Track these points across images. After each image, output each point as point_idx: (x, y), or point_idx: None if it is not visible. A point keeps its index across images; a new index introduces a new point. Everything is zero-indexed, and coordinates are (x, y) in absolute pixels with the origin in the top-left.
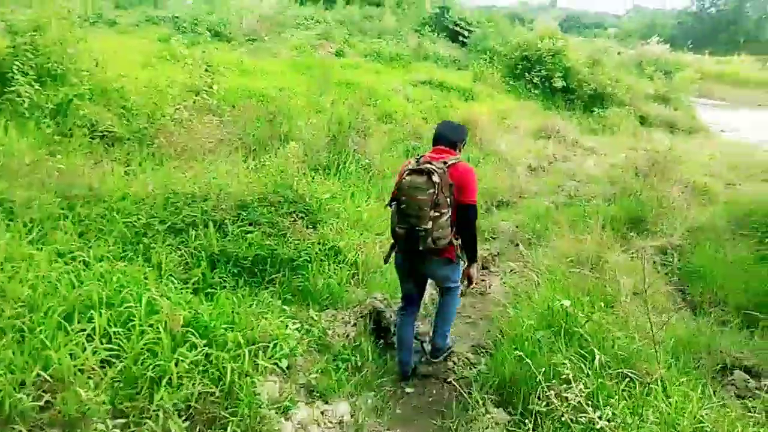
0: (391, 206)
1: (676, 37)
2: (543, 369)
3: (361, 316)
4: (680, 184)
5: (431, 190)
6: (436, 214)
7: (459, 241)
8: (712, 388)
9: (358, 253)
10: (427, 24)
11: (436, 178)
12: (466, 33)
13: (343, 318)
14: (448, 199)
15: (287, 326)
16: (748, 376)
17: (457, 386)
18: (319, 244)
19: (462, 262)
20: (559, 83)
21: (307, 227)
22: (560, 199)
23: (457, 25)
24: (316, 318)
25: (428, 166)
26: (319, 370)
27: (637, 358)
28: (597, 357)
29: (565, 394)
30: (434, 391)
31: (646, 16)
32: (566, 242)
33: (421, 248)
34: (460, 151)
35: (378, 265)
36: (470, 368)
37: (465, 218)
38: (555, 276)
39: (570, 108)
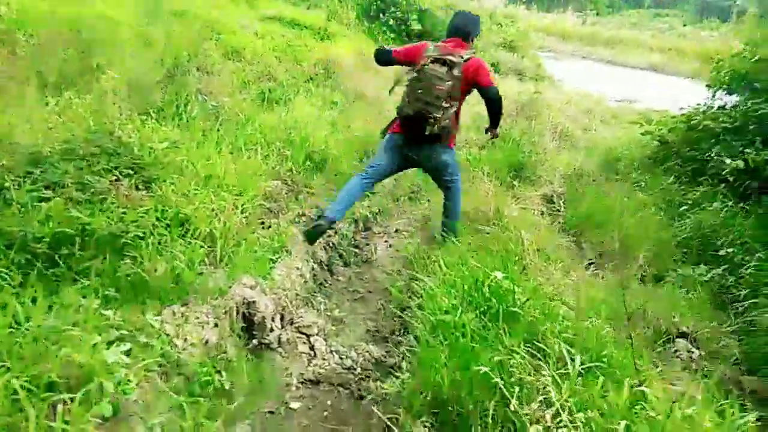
0: (383, 58)
1: None
2: (495, 381)
3: (225, 312)
4: (550, 129)
5: (450, 82)
6: (447, 105)
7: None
8: (659, 361)
9: (214, 221)
10: None
11: (456, 72)
12: None
13: (197, 318)
14: (458, 95)
15: (109, 346)
16: (690, 345)
17: (375, 408)
18: (156, 211)
19: (453, 150)
20: (415, 26)
21: (138, 188)
22: None
23: None
24: (156, 324)
25: (450, 58)
26: (168, 408)
27: (589, 341)
28: (567, 356)
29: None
30: (329, 403)
31: None
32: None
33: (426, 133)
34: (472, 42)
35: (242, 236)
36: (378, 371)
37: (492, 100)
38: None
39: None
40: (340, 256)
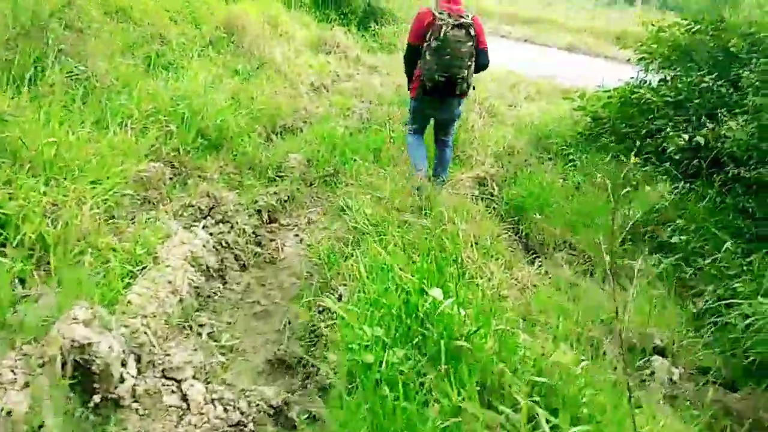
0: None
1: None
2: None
3: (41, 363)
4: (476, 105)
5: (470, 43)
6: (470, 63)
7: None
8: (633, 386)
9: (48, 222)
10: None
11: (473, 32)
12: None
13: (3, 372)
14: (475, 50)
15: None
16: (669, 365)
17: None
18: None
19: None
20: None
21: None
22: (353, 123)
23: None
24: None
25: (464, 21)
26: None
27: (563, 387)
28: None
29: None
30: None
31: None
32: (378, 179)
33: (458, 92)
34: None
35: (91, 241)
36: (278, 425)
37: (484, 60)
38: (381, 230)
39: (345, 23)
40: (236, 257)
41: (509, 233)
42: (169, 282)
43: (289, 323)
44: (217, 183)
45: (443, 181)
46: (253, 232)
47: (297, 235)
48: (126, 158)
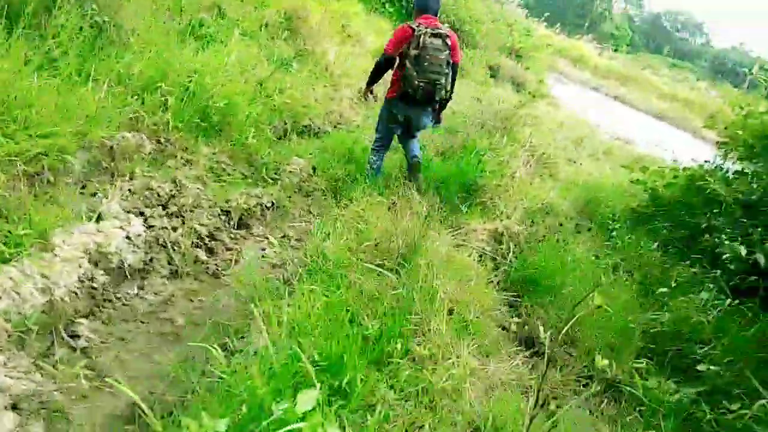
0: (382, 66)
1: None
2: None
3: None
4: (527, 150)
5: (447, 51)
6: (447, 71)
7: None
8: None
9: None
10: None
11: (449, 41)
12: None
13: None
14: (451, 60)
15: None
16: None
17: None
18: None
19: None
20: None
21: None
22: None
23: None
24: None
25: (442, 31)
26: None
27: None
28: None
29: None
30: None
31: None
32: (376, 208)
33: (437, 98)
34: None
35: None
36: None
37: (454, 75)
38: (337, 274)
39: None
40: (171, 260)
41: (505, 310)
42: (43, 276)
43: (192, 358)
44: (201, 169)
45: (418, 161)
46: (210, 235)
47: (264, 250)
48: (94, 120)
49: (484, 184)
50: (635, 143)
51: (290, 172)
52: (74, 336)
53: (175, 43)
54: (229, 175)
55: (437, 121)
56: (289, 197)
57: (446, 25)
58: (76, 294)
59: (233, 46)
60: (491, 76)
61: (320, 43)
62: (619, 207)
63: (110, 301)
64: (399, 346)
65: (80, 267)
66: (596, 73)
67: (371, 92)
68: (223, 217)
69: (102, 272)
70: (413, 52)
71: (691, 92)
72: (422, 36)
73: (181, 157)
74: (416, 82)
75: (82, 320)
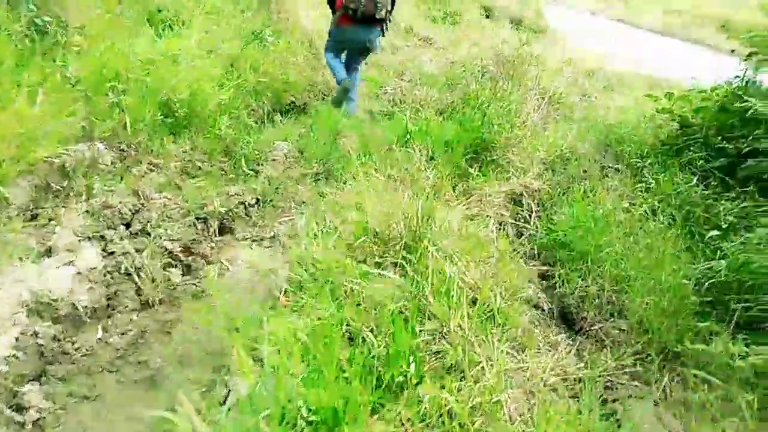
0: None
1: None
2: None
3: None
4: (535, 93)
5: None
6: None
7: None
8: None
9: None
10: None
11: None
12: None
13: None
14: None
15: None
16: None
17: None
18: None
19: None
20: None
21: None
22: (380, 105)
23: None
24: None
25: None
26: None
27: None
28: None
29: None
30: None
31: None
32: (372, 194)
33: (376, 17)
34: None
35: None
36: None
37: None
38: (329, 283)
39: None
40: (138, 290)
41: (538, 286)
42: None
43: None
44: (170, 173)
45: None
46: (185, 250)
47: (249, 252)
48: (33, 138)
49: (493, 139)
50: (647, 67)
51: (274, 160)
52: (20, 409)
53: (128, 35)
54: (206, 173)
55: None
56: (277, 188)
57: None
58: (16, 357)
59: (195, 27)
60: (487, 17)
61: (295, 10)
62: (646, 141)
63: (66, 354)
64: (412, 368)
65: (15, 324)
66: None
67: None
68: (200, 226)
69: (49, 323)
70: None
71: (696, 2)
72: None
73: (148, 163)
74: (358, 3)
75: (30, 386)
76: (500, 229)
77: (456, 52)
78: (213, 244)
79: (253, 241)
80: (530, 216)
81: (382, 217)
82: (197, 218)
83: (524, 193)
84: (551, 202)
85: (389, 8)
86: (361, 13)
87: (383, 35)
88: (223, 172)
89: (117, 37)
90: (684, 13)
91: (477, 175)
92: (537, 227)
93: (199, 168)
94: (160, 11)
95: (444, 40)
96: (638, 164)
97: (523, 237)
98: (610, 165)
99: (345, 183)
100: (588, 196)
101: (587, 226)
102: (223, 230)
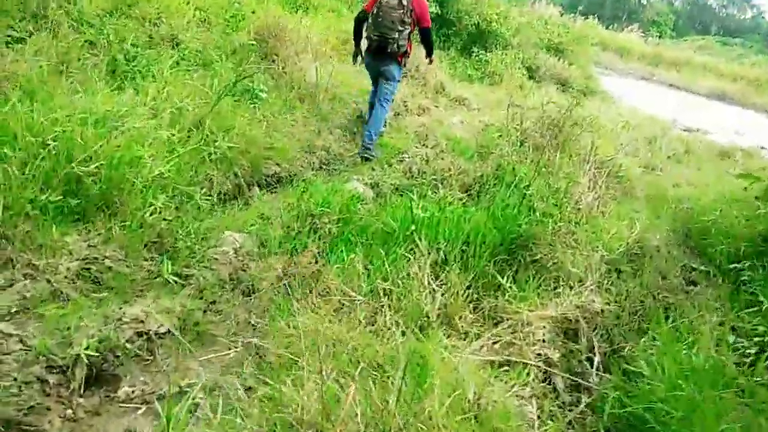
0: (362, 19)
1: (566, 7)
2: None
3: None
4: (590, 165)
5: (401, 11)
6: (401, 28)
7: (407, 53)
8: None
9: None
10: None
11: (405, 2)
12: None
13: None
14: (409, 21)
15: None
16: None
17: None
18: None
19: (402, 68)
20: (432, 9)
21: None
22: (392, 179)
23: None
24: None
25: None
26: None
27: None
28: None
29: None
30: None
31: None
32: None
33: (388, 50)
34: None
35: None
36: None
37: (426, 36)
38: None
39: (445, 45)
40: None
41: None
42: None
43: None
44: (61, 279)
45: (370, 136)
46: (16, 426)
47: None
48: None
49: (535, 233)
50: (711, 133)
51: (216, 259)
52: None
53: (70, 91)
54: (112, 279)
55: (430, 61)
56: (211, 305)
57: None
58: None
59: (165, 78)
60: (530, 78)
61: (301, 60)
62: (741, 235)
63: None
64: None
65: None
66: (645, 61)
67: (360, 53)
68: (53, 378)
69: None
70: (374, 10)
71: (752, 68)
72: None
73: (27, 264)
74: (372, 36)
75: None
76: (546, 383)
77: (493, 114)
78: (72, 408)
79: (144, 402)
80: (591, 361)
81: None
82: (50, 367)
83: (580, 319)
84: (621, 334)
85: (401, 43)
86: (375, 47)
87: (402, 66)
88: (131, 280)
89: (57, 92)
90: (739, 79)
91: (511, 288)
92: (602, 389)
93: (109, 268)
94: (128, 61)
95: (480, 101)
96: (734, 268)
97: (582, 404)
98: (695, 267)
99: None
100: (674, 322)
101: (687, 394)
102: (101, 378)
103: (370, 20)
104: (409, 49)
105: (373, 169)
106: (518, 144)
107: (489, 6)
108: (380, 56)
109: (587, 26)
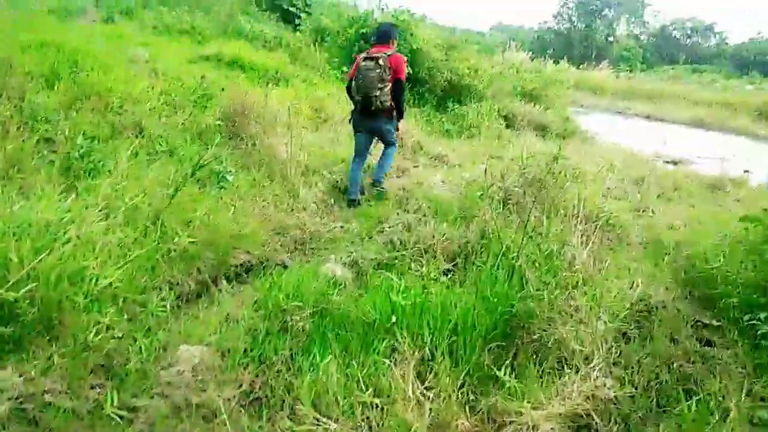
0: (350, 85)
1: (536, 51)
2: None
3: None
4: (580, 218)
5: (378, 70)
6: (381, 86)
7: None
8: None
9: None
10: (256, 3)
11: (381, 62)
12: (302, 15)
13: None
14: (388, 77)
15: None
16: None
17: None
18: None
19: (395, 121)
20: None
21: None
22: (372, 252)
23: (293, 5)
24: None
25: (376, 55)
26: None
27: None
28: None
29: None
30: None
31: (509, 32)
32: None
33: (372, 108)
34: (393, 43)
35: None
36: None
37: (397, 88)
38: None
39: (419, 103)
40: None
41: None
42: None
43: None
44: None
45: (380, 174)
46: None
47: None
48: None
49: (531, 311)
50: (696, 163)
51: (170, 383)
52: None
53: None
54: (53, 418)
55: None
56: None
57: (392, 51)
58: None
59: (122, 173)
60: (507, 127)
61: (273, 138)
62: (750, 282)
63: None
64: None
65: None
66: (619, 96)
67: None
68: None
69: None
70: (356, 75)
71: (725, 93)
72: (360, 60)
73: None
74: (356, 97)
75: None
76: None
77: (473, 169)
78: None
79: None
80: None
81: None
82: None
83: (592, 413)
84: (640, 420)
85: (383, 99)
86: (360, 107)
87: (395, 121)
88: (91, 410)
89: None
90: (713, 104)
91: (509, 382)
92: None
93: (48, 406)
94: (81, 158)
95: (459, 156)
96: (749, 321)
97: None
98: (706, 322)
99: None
100: (696, 397)
101: None
102: None
103: (353, 84)
104: (392, 105)
105: (352, 243)
106: (501, 205)
107: (459, 61)
108: (368, 115)
109: (559, 71)
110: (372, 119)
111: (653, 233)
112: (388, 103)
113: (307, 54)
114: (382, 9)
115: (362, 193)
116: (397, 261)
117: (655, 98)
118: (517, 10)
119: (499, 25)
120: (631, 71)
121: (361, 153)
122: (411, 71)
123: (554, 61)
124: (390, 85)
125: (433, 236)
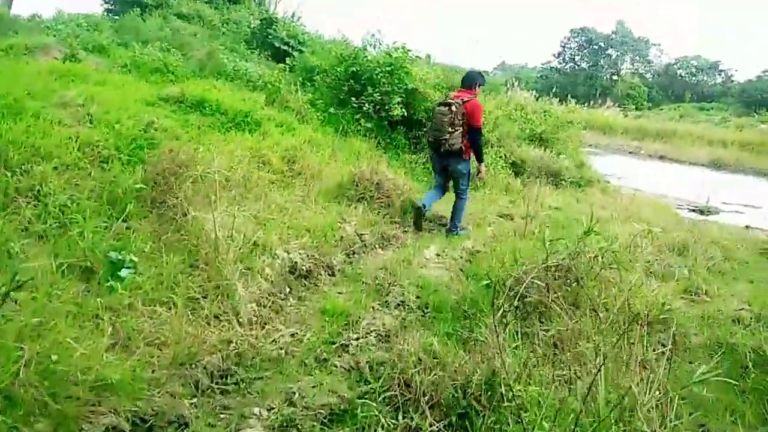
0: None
1: (540, 90)
2: None
3: None
4: (626, 325)
5: (449, 116)
6: (451, 130)
7: (469, 146)
8: None
9: None
10: (246, 41)
11: (453, 108)
12: (294, 54)
13: None
14: (461, 122)
15: None
16: None
17: None
18: None
19: (467, 161)
20: (397, 111)
21: None
22: (320, 393)
23: (286, 43)
24: None
25: (450, 101)
26: None
27: None
28: None
29: None
30: None
31: (513, 71)
32: None
33: (442, 150)
34: (476, 89)
35: None
36: None
37: (473, 136)
38: None
39: (415, 149)
40: None
41: None
42: None
43: None
44: None
45: (454, 225)
46: None
47: None
48: None
49: None
50: (728, 212)
51: None
52: None
53: None
54: None
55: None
56: None
57: (471, 96)
58: None
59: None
60: (516, 175)
61: (210, 207)
62: None
63: None
64: None
65: None
66: (629, 135)
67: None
68: None
69: None
70: (432, 118)
71: (741, 132)
72: (435, 106)
73: None
74: (429, 138)
75: None
76: None
77: (478, 234)
78: None
79: None
80: None
81: None
82: None
83: None
84: None
85: (453, 142)
86: (432, 147)
87: (467, 161)
88: None
89: None
90: (729, 144)
91: None
92: None
93: None
94: None
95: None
96: None
97: None
98: None
99: None
100: None
101: None
102: None
103: (429, 125)
104: (465, 146)
105: (296, 373)
106: (514, 305)
107: None
108: (439, 155)
109: (570, 111)
110: (446, 159)
111: (714, 328)
112: (458, 146)
113: (287, 94)
114: (375, 46)
115: (425, 217)
116: (359, 411)
117: (665, 137)
118: (519, 49)
119: (502, 64)
120: (637, 109)
121: (440, 186)
122: (405, 114)
123: (559, 100)
124: (460, 129)
125: (420, 360)
